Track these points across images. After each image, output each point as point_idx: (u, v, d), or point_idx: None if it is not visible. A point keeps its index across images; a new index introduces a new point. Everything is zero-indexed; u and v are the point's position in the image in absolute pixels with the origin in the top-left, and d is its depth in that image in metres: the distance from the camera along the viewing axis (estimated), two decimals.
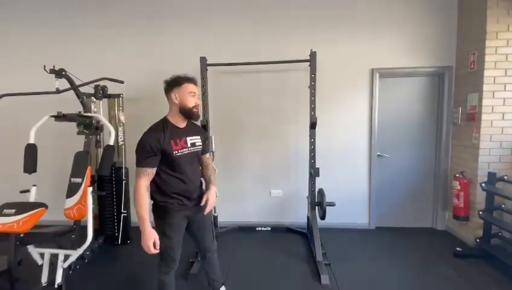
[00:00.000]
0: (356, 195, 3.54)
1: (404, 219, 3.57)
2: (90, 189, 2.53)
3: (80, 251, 2.39)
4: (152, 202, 1.72)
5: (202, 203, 1.74)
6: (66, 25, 3.66)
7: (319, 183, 3.02)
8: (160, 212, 1.71)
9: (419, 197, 3.54)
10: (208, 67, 3.09)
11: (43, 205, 2.26)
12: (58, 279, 2.29)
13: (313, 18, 3.38)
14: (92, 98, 3.01)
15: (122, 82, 2.89)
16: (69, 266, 2.63)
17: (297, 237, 3.34)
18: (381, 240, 3.26)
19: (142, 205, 1.54)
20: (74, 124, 2.77)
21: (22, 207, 2.20)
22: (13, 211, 2.14)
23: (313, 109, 2.92)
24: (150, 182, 1.64)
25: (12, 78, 3.70)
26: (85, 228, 2.39)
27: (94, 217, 3.35)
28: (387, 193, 3.56)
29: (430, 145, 3.49)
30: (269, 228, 3.47)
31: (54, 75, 2.45)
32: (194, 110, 1.69)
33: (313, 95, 2.91)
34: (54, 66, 2.40)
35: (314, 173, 2.90)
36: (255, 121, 3.56)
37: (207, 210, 1.74)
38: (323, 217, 2.95)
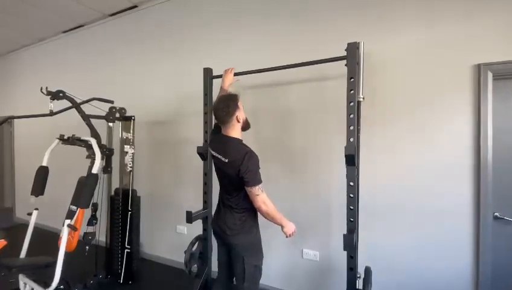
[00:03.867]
0: (448, 280, 2.04)
1: None
2: (67, 221, 2.24)
3: None
4: (249, 220, 1.82)
5: None
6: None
7: (372, 253, 1.92)
8: (257, 233, 1.89)
9: None
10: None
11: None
12: None
13: None
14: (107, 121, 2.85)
15: (112, 102, 2.60)
16: None
17: None
18: None
19: (277, 210, 1.71)
20: None
21: None
22: None
23: (351, 133, 1.82)
24: (247, 200, 1.72)
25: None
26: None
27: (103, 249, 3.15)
28: None
29: None
30: None
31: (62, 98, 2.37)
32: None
33: (351, 110, 1.82)
34: (46, 88, 2.29)
35: (345, 242, 1.71)
36: (284, 150, 2.62)
37: None
38: None
